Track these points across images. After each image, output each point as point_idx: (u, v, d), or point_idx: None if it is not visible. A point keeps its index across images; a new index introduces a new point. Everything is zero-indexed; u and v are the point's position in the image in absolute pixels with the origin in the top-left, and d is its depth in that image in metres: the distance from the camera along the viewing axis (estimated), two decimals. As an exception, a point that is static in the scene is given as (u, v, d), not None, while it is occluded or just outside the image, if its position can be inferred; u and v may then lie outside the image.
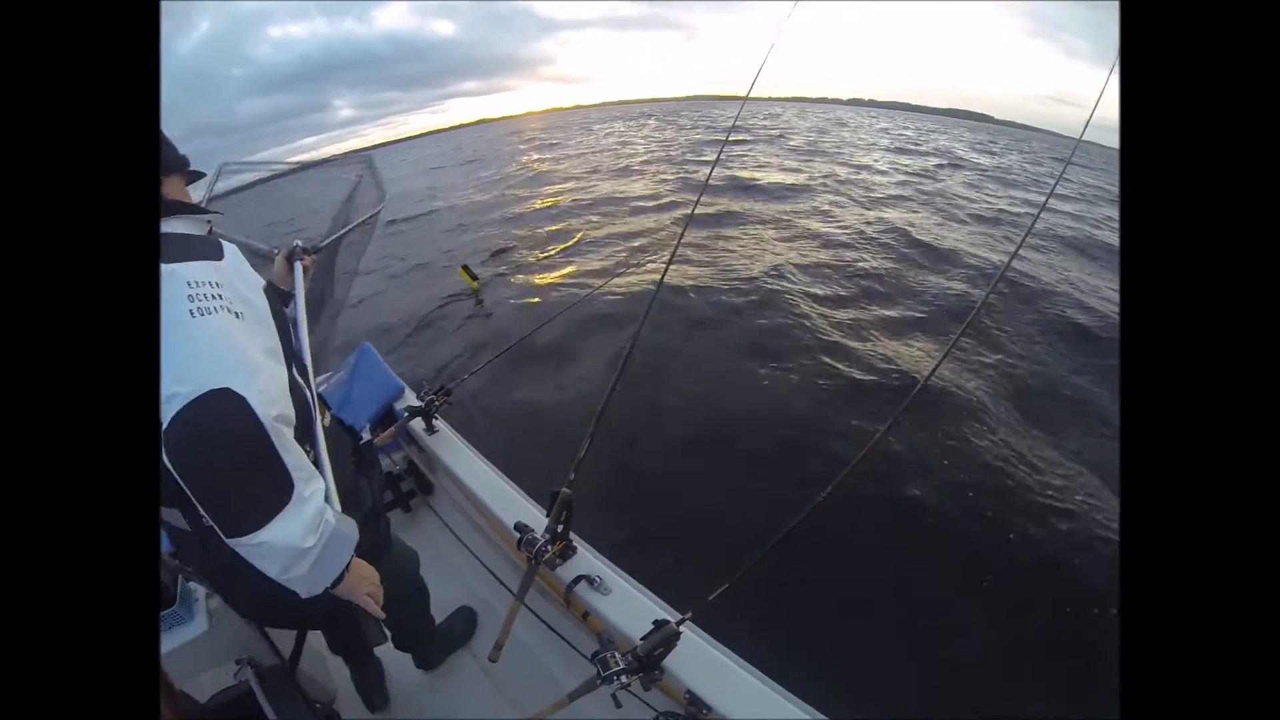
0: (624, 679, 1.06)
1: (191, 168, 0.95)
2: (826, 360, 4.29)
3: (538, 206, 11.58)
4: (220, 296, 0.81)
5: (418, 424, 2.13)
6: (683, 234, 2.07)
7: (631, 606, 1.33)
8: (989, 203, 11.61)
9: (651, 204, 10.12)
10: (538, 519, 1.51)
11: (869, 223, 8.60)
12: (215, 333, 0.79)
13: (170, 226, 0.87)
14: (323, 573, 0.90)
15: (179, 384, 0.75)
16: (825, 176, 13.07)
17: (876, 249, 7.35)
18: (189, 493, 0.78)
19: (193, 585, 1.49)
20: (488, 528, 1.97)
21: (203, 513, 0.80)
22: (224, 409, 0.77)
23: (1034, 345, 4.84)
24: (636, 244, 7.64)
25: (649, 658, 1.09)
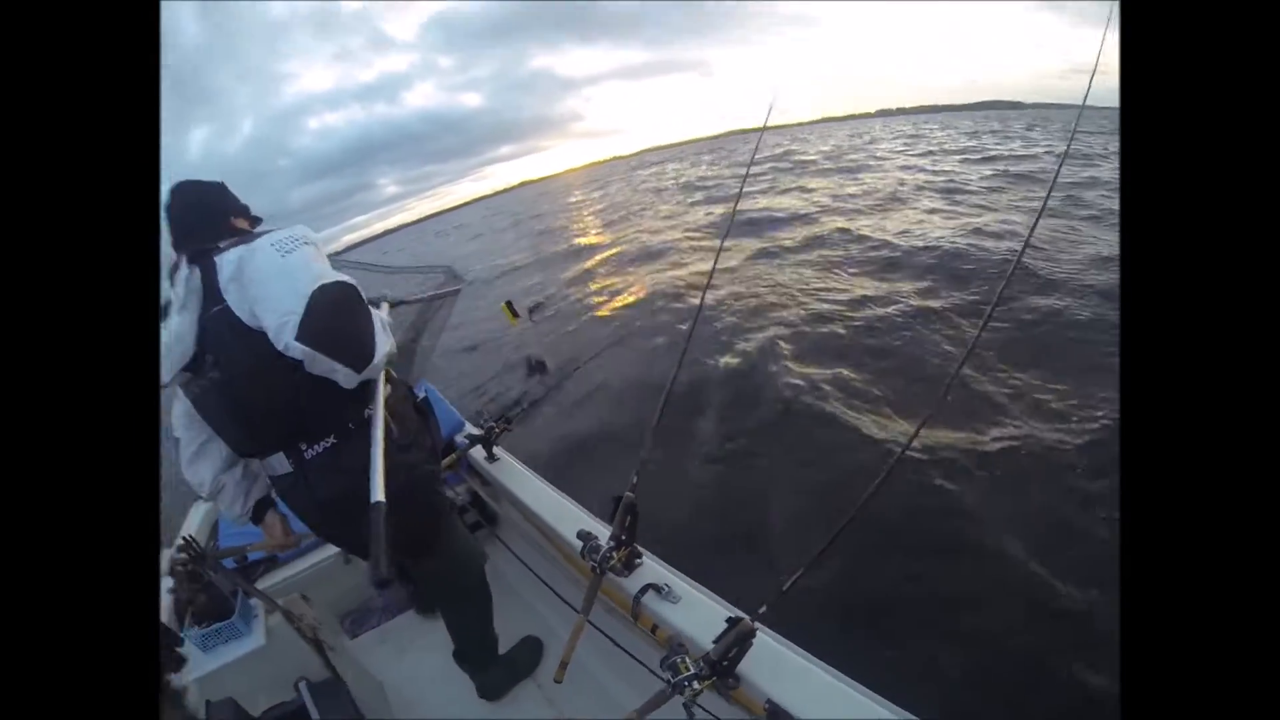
0: (696, 685, 0.98)
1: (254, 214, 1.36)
2: (867, 357, 4.30)
3: (584, 255, 11.96)
4: (296, 239, 1.15)
5: (478, 454, 2.12)
6: (718, 258, 2.08)
7: (702, 614, 1.23)
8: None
9: (687, 243, 10.35)
10: (602, 531, 1.42)
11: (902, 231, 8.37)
12: (306, 258, 1.13)
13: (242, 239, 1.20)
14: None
15: (293, 299, 1.05)
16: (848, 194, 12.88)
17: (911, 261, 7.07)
18: (325, 351, 1.07)
19: (253, 602, 1.50)
20: (552, 550, 1.91)
21: (337, 365, 1.10)
22: (339, 288, 1.12)
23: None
24: (676, 274, 7.86)
25: (723, 661, 1.00)
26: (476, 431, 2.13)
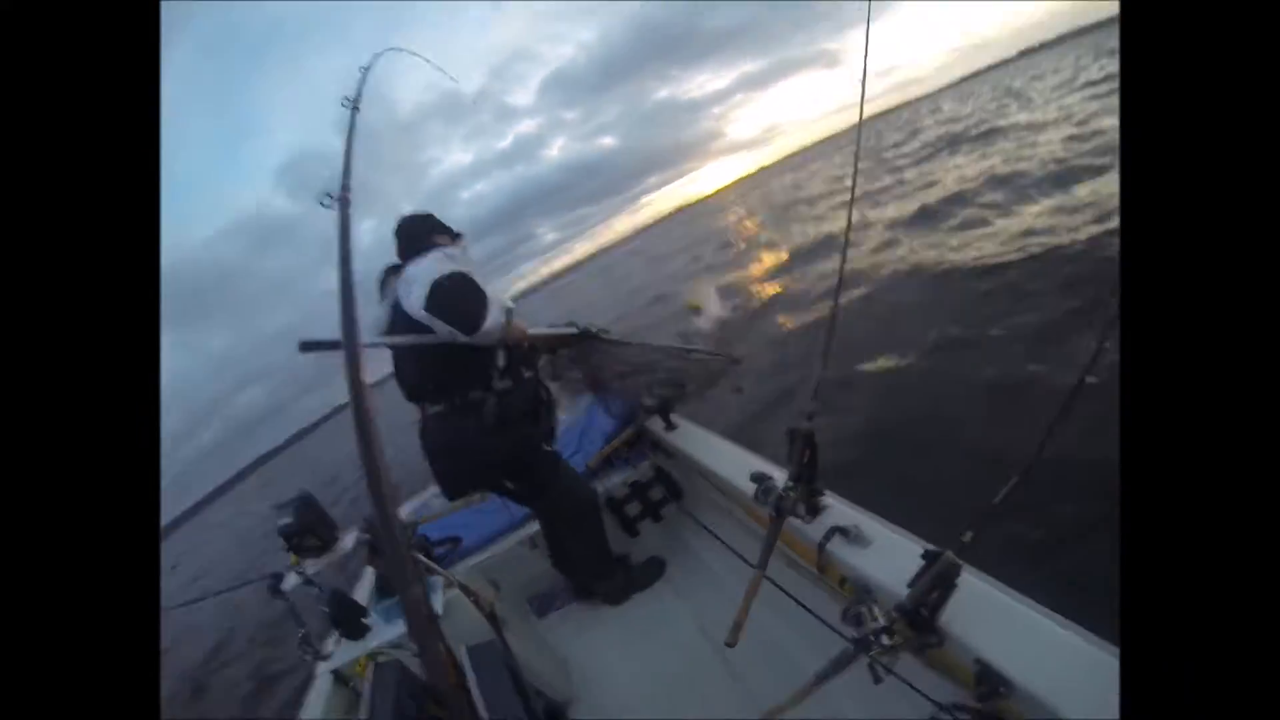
0: (885, 639, 0.78)
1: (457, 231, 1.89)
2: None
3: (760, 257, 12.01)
4: (452, 257, 1.70)
5: (657, 425, 2.14)
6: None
7: (901, 560, 1.00)
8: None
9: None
10: (781, 477, 1.25)
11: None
12: (435, 261, 1.66)
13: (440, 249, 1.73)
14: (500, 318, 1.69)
15: (424, 285, 1.60)
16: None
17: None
18: (447, 318, 1.61)
19: (435, 578, 1.59)
20: (738, 511, 1.79)
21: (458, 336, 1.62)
22: (454, 275, 1.62)
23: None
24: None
25: (920, 609, 0.80)
26: (652, 403, 2.17)
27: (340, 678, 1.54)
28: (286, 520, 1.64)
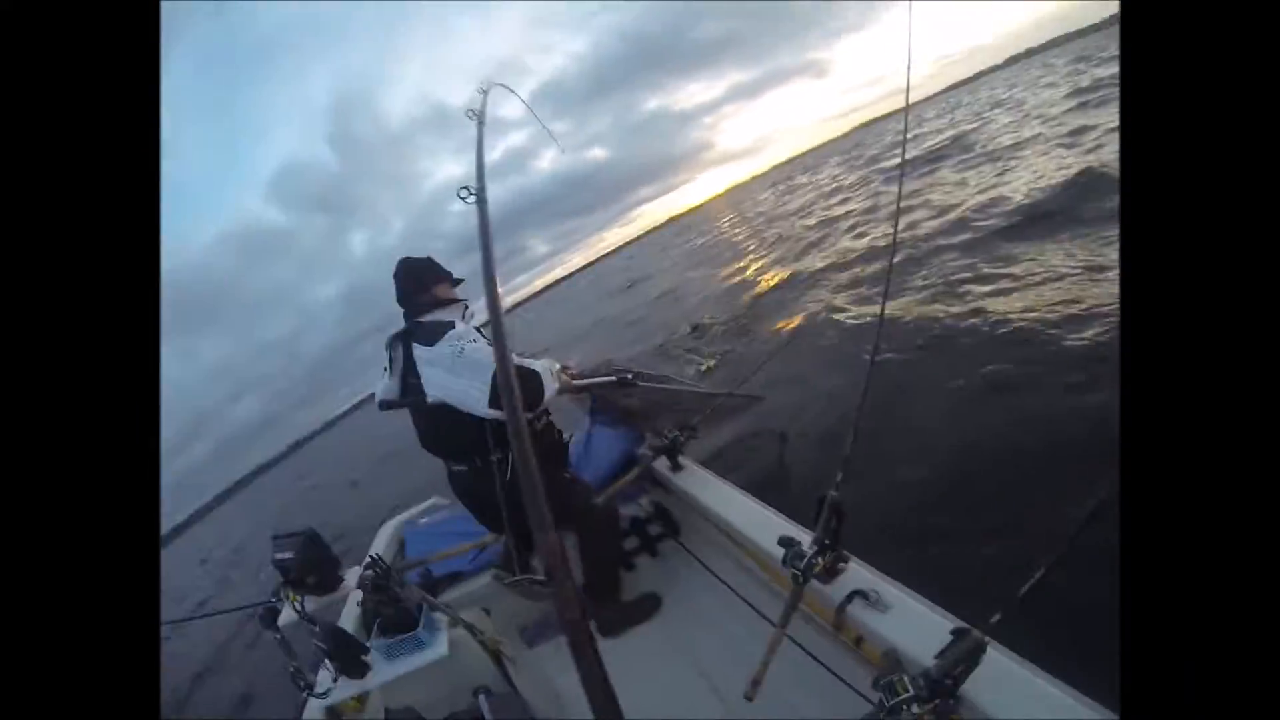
0: (915, 709, 0.84)
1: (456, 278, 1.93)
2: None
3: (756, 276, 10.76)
4: (473, 338, 1.68)
5: (662, 465, 2.12)
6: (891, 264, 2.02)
7: (917, 624, 1.09)
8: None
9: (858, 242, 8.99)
10: (803, 538, 1.29)
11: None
12: (481, 351, 1.65)
13: (444, 314, 1.78)
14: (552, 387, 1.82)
15: (481, 383, 1.59)
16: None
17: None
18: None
19: (437, 615, 1.58)
20: (743, 557, 1.84)
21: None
22: (526, 374, 1.67)
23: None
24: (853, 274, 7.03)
25: (947, 679, 0.86)
26: (659, 442, 2.16)
27: (333, 712, 1.53)
28: (287, 555, 1.60)
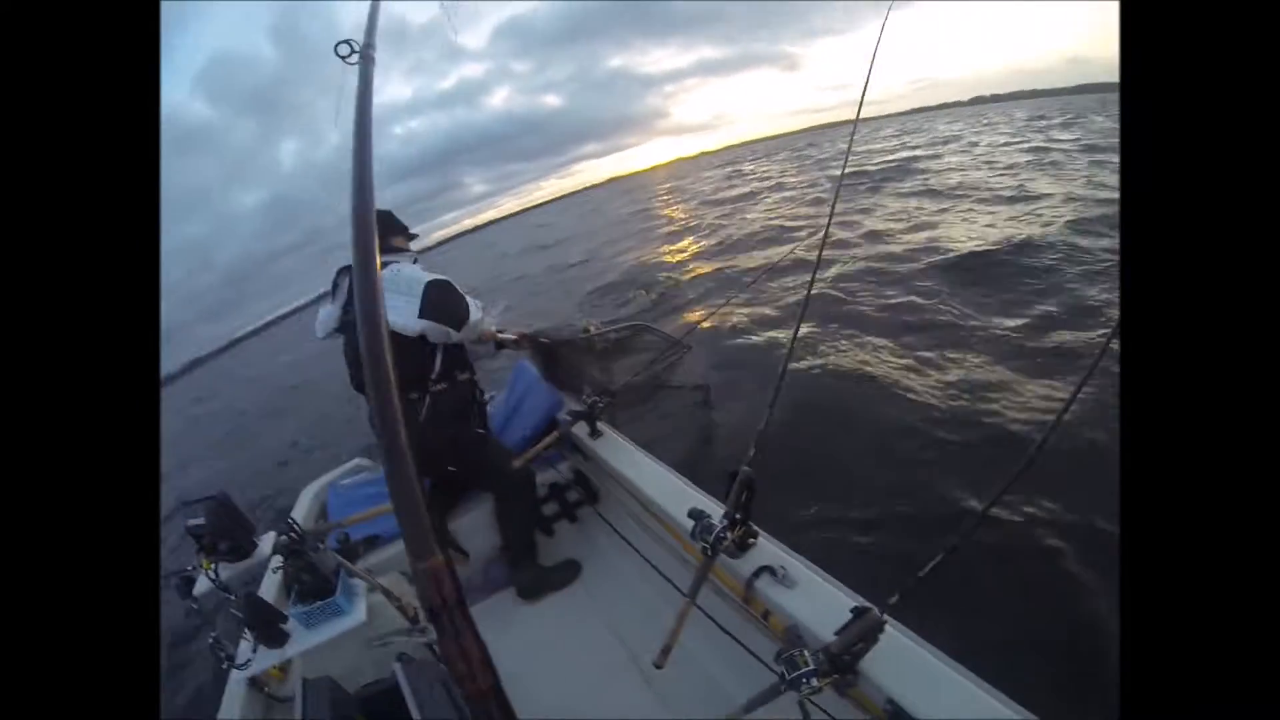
0: (814, 682, 0.89)
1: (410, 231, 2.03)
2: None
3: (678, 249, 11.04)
4: (426, 270, 1.86)
5: (581, 430, 2.12)
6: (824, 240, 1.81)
7: (822, 600, 1.14)
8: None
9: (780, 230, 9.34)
10: (714, 510, 1.33)
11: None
12: (416, 270, 1.84)
13: (402, 258, 1.90)
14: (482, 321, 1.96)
15: (411, 295, 1.74)
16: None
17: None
18: (440, 320, 1.79)
19: (355, 581, 1.54)
20: (658, 527, 1.87)
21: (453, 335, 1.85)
22: (444, 284, 1.82)
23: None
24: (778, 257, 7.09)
25: (845, 655, 0.91)
26: (579, 408, 2.15)
27: (255, 683, 1.52)
28: (197, 521, 1.54)
